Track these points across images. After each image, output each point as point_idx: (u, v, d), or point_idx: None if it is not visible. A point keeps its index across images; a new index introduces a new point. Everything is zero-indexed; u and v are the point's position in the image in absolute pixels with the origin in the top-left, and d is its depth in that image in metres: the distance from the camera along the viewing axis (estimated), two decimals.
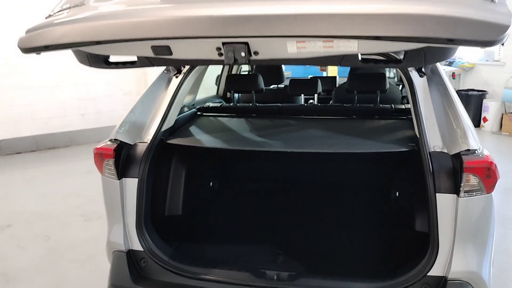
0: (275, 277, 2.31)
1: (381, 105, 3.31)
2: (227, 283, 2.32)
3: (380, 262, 2.50)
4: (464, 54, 9.18)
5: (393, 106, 3.29)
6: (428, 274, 2.14)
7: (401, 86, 4.74)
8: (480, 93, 8.53)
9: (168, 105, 2.71)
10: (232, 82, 3.60)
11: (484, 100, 8.41)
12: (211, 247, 2.75)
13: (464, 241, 2.10)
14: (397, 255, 2.54)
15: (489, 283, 2.18)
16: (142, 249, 2.46)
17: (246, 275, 2.32)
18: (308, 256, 2.60)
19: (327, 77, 6.55)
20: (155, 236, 2.56)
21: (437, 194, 2.11)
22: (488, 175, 2.03)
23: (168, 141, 2.69)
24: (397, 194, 3.25)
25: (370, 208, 3.24)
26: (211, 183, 3.58)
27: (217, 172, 3.70)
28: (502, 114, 8.14)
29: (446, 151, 2.20)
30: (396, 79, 5.62)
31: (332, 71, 7.21)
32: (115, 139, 2.49)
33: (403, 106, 3.30)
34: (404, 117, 3.10)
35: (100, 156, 2.49)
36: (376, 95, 3.33)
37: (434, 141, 2.24)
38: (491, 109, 8.19)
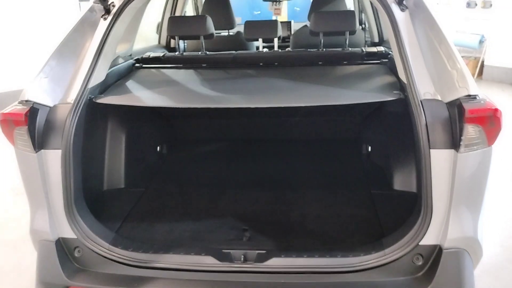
0: (241, 258, 1.93)
1: (350, 49, 2.90)
2: (184, 270, 1.92)
3: (360, 230, 2.18)
4: None
5: (363, 50, 2.89)
6: (420, 243, 1.83)
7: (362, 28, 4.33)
8: None
9: (95, 55, 2.15)
10: (176, 25, 3.00)
11: None
12: (162, 225, 2.30)
13: (461, 202, 1.79)
14: (377, 221, 2.23)
15: (483, 246, 1.92)
16: (75, 236, 2.00)
17: (206, 258, 1.93)
18: (278, 229, 2.22)
19: (282, 22, 6.01)
20: (91, 218, 2.09)
21: (431, 150, 1.76)
22: (491, 124, 1.70)
23: (98, 100, 2.16)
24: (369, 149, 2.93)
25: (340, 166, 2.91)
26: (158, 147, 3.10)
27: (164, 135, 3.21)
28: None
29: (439, 98, 1.84)
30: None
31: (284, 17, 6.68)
32: (26, 101, 1.94)
33: (375, 49, 2.90)
34: (378, 61, 2.72)
35: (8, 123, 1.93)
36: (344, 38, 2.89)
37: (424, 87, 1.88)
38: None
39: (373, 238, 2.07)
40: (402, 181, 2.45)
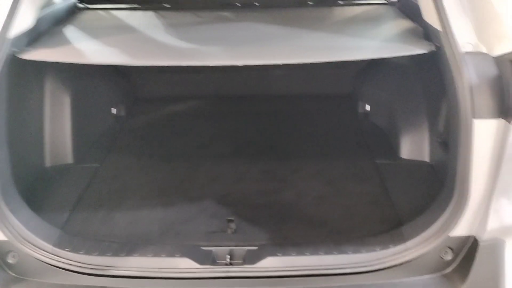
0: (227, 258, 1.52)
1: None
2: (152, 278, 1.50)
3: (371, 214, 1.79)
4: None
5: None
6: (450, 234, 1.46)
7: None
8: None
9: None
10: None
11: None
12: (123, 215, 1.82)
13: (508, 186, 1.42)
14: (388, 200, 1.86)
15: None
16: (6, 238, 1.52)
17: (181, 261, 1.52)
18: (270, 215, 1.80)
19: None
20: (26, 212, 1.62)
21: (474, 119, 1.35)
22: None
23: (24, 56, 1.59)
24: (366, 108, 2.51)
25: (335, 129, 2.48)
26: (113, 109, 2.54)
27: (121, 93, 2.67)
28: None
29: (485, 51, 1.41)
30: None
31: None
32: None
33: None
34: (385, 1, 2.23)
35: None
36: None
37: (463, 36, 1.44)
38: None
39: (388, 224, 1.70)
40: (412, 149, 2.10)
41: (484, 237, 1.46)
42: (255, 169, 2.11)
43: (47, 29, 1.89)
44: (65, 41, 1.84)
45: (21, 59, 1.58)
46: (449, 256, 1.51)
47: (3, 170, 1.54)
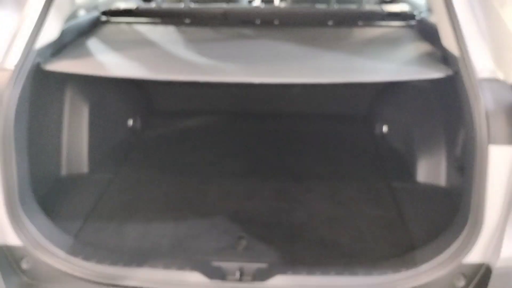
0: (237, 274, 1.52)
1: (366, 6, 2.41)
2: None
3: (383, 236, 1.78)
4: None
5: (382, 8, 2.40)
6: (463, 261, 1.45)
7: None
8: None
9: (45, 3, 1.61)
10: None
11: None
12: (134, 226, 1.84)
13: None
14: (402, 224, 1.84)
15: None
16: (22, 243, 1.55)
17: (191, 275, 1.52)
18: (281, 234, 1.79)
19: None
20: (42, 218, 1.64)
21: (490, 145, 1.35)
22: None
23: (49, 67, 1.64)
24: (384, 129, 2.51)
25: (350, 149, 2.47)
26: (129, 121, 2.58)
27: (138, 105, 2.70)
28: None
29: (501, 78, 1.41)
30: None
31: None
32: None
33: (398, 8, 2.41)
34: (403, 24, 2.25)
35: None
36: None
37: (480, 61, 1.44)
38: None
39: (400, 248, 1.68)
40: (428, 173, 2.07)
41: (497, 265, 1.43)
42: (267, 188, 2.11)
43: (71, 40, 1.94)
44: (87, 53, 1.88)
45: (43, 70, 1.63)
46: (461, 283, 1.48)
47: (22, 176, 1.57)
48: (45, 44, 1.64)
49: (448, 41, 1.56)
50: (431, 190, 2.02)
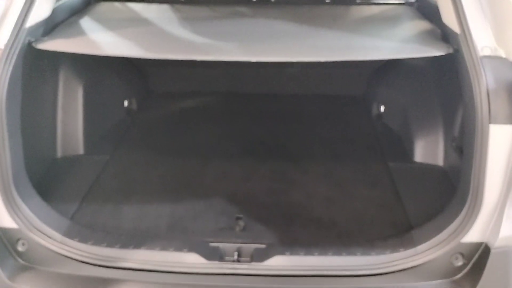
0: (234, 255, 1.51)
1: None
2: (160, 271, 1.49)
3: (381, 217, 1.78)
4: None
5: None
6: (462, 240, 1.44)
7: None
8: None
9: None
10: None
11: None
12: (131, 208, 1.83)
13: None
14: (400, 204, 1.83)
15: None
16: (17, 226, 1.53)
17: (189, 256, 1.52)
18: (279, 215, 1.79)
19: None
20: (37, 200, 1.63)
21: (491, 124, 1.33)
22: None
23: (40, 46, 1.60)
24: (381, 109, 2.49)
25: (347, 129, 2.46)
26: (125, 102, 2.55)
27: (133, 86, 2.67)
28: None
29: (503, 55, 1.38)
30: None
31: None
32: None
33: None
34: (403, 1, 2.21)
35: None
36: None
37: (482, 39, 1.41)
38: None
39: (398, 228, 1.68)
40: (426, 152, 2.06)
41: (496, 244, 1.43)
42: (264, 169, 2.10)
43: (63, 19, 1.89)
44: (80, 32, 1.84)
45: (37, 48, 1.59)
46: (459, 262, 1.49)
47: (16, 159, 1.54)
48: (36, 23, 1.60)
49: (449, 18, 1.53)
50: (428, 170, 2.01)
